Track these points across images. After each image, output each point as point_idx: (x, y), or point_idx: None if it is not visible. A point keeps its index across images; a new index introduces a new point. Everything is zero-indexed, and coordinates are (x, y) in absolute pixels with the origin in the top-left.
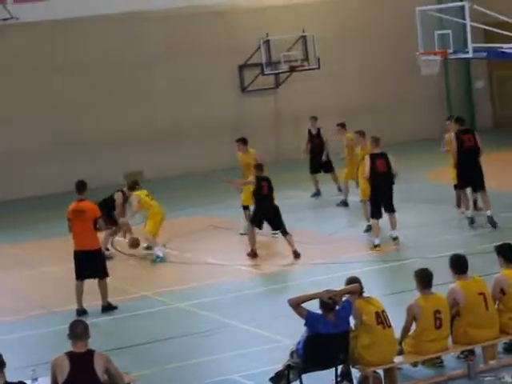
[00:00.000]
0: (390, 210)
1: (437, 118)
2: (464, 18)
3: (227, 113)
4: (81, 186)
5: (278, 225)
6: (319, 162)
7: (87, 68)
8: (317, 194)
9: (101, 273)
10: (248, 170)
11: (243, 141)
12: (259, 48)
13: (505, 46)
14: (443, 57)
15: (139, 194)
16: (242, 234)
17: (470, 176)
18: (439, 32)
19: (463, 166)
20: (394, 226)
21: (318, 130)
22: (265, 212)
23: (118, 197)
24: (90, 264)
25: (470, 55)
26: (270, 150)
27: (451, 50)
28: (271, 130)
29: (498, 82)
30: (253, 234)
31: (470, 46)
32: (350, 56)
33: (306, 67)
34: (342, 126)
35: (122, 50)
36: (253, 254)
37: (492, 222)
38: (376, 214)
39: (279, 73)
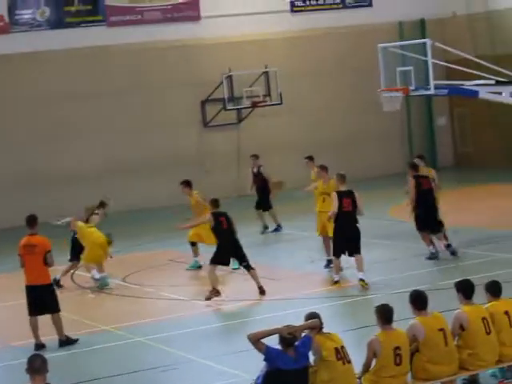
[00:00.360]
0: (356, 251)
1: (398, 154)
2: (426, 55)
3: (190, 147)
4: (31, 221)
5: (242, 258)
6: (261, 201)
7: (48, 100)
8: (265, 228)
9: (52, 308)
10: (197, 209)
11: (186, 183)
12: (221, 83)
13: (466, 83)
14: (405, 93)
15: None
16: (187, 270)
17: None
18: (401, 69)
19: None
20: (360, 268)
21: (259, 168)
22: (228, 247)
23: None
24: (41, 299)
25: (431, 92)
26: (232, 185)
27: (413, 87)
28: (233, 165)
29: (459, 119)
30: (213, 272)
31: (432, 82)
32: (312, 92)
33: (269, 103)
34: (310, 158)
35: (85, 83)
36: (215, 292)
37: (453, 252)
38: (338, 253)
39: (241, 108)
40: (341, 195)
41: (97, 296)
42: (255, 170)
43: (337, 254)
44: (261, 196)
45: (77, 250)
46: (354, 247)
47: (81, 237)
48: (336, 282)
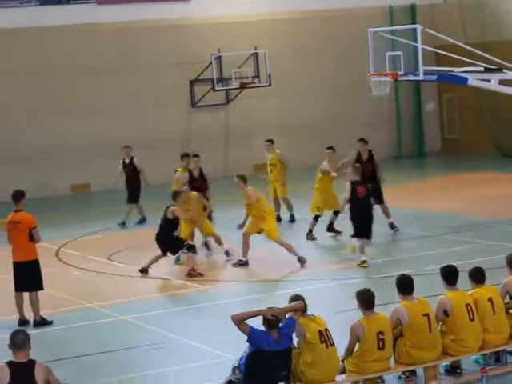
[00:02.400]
0: (368, 236)
1: (386, 139)
2: (415, 41)
3: (177, 127)
4: (16, 197)
5: None
6: (130, 192)
7: (35, 77)
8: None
9: (35, 285)
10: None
11: (242, 178)
12: (211, 63)
13: (455, 69)
14: (393, 78)
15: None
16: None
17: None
18: (390, 53)
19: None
20: (363, 251)
21: (131, 159)
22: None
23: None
24: (26, 275)
25: (420, 77)
26: (219, 166)
27: (402, 72)
28: (221, 146)
29: (448, 105)
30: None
31: (421, 68)
32: (301, 74)
33: (257, 84)
34: (271, 142)
35: (72, 61)
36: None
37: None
38: (359, 234)
39: (230, 89)
40: (355, 184)
41: (82, 274)
42: (127, 160)
43: (359, 236)
44: (132, 188)
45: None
46: (367, 232)
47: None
48: (364, 262)
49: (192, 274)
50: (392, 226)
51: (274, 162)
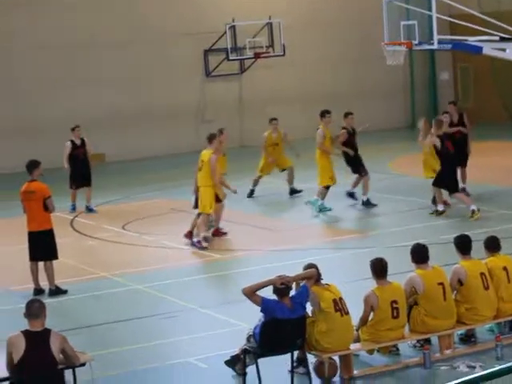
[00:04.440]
0: (455, 191)
1: (400, 108)
2: (430, 10)
3: (191, 97)
4: (31, 167)
5: None
6: (82, 174)
7: (50, 50)
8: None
9: (49, 254)
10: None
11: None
12: (225, 33)
13: (470, 38)
14: (408, 48)
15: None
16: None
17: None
18: (405, 22)
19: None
20: (468, 201)
21: (82, 140)
22: None
23: None
24: (41, 245)
25: (434, 47)
26: (233, 136)
27: (416, 41)
28: (235, 116)
29: (462, 75)
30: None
31: (436, 37)
32: (315, 44)
33: (271, 54)
34: (276, 120)
35: (86, 32)
36: None
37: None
38: (440, 185)
39: (244, 59)
40: (442, 139)
41: (96, 243)
42: (78, 141)
43: (439, 186)
44: (84, 170)
45: None
46: (455, 187)
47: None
48: (442, 212)
49: (217, 233)
50: (463, 189)
51: (277, 142)
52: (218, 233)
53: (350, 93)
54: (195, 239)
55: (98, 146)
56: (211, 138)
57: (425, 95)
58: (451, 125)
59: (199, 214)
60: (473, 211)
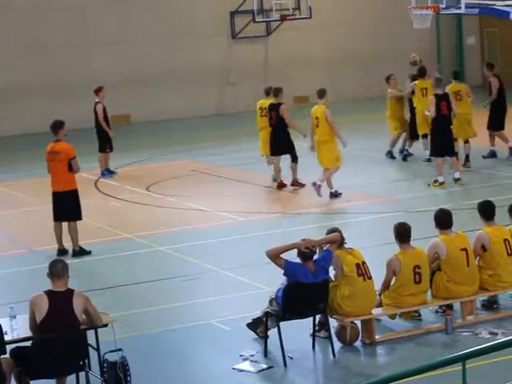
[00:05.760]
0: (451, 154)
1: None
2: None
3: (216, 59)
4: (55, 127)
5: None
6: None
7: (76, 8)
8: None
9: (73, 215)
10: None
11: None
12: None
13: (498, 3)
14: (435, 11)
15: None
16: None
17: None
18: None
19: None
20: (457, 168)
21: (96, 104)
22: None
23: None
24: (65, 205)
25: (462, 11)
26: (259, 98)
27: (443, 5)
28: (260, 78)
29: (489, 40)
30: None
31: (463, 1)
32: (341, 6)
33: (298, 16)
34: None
35: None
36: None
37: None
38: (438, 153)
39: (270, 21)
40: (438, 98)
41: (120, 204)
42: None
43: (437, 154)
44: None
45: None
46: (451, 149)
47: None
48: (442, 184)
49: (296, 184)
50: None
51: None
52: (297, 183)
53: (375, 56)
54: (318, 182)
55: (123, 107)
56: (322, 93)
57: (451, 60)
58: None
59: (327, 169)
60: (436, 180)
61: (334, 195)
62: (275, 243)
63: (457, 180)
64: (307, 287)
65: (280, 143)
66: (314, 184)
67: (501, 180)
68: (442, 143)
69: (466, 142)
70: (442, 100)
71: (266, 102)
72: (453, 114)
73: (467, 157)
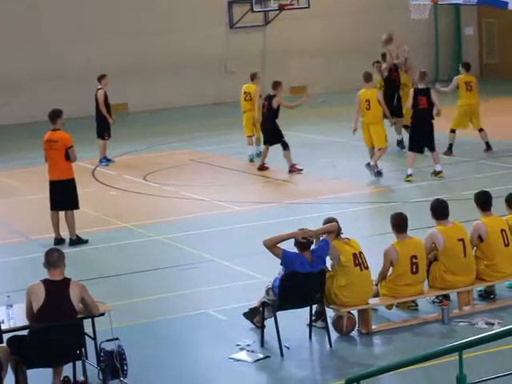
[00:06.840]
0: (431, 148)
1: (425, 62)
2: None
3: (215, 48)
4: (53, 116)
5: None
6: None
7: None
8: None
9: (70, 204)
10: None
11: None
12: None
13: None
14: (434, 2)
15: None
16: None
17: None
18: None
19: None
20: (437, 161)
21: (97, 90)
22: None
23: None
24: (62, 194)
25: (460, 1)
26: None
27: None
28: (258, 68)
29: (487, 30)
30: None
31: None
32: None
33: (296, 6)
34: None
35: None
36: None
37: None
38: (414, 148)
39: (268, 11)
40: (417, 92)
41: (118, 193)
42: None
43: (413, 149)
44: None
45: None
46: (430, 143)
47: None
48: (409, 176)
49: (293, 170)
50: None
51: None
52: (294, 169)
53: (373, 45)
54: (372, 162)
55: (121, 96)
56: (369, 77)
57: (449, 50)
58: None
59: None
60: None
61: (380, 174)
62: (272, 233)
63: (438, 173)
64: (304, 277)
65: (271, 133)
66: (368, 165)
67: (495, 170)
68: (419, 138)
69: (481, 130)
70: (422, 94)
71: (250, 86)
72: (435, 110)
73: (487, 144)
